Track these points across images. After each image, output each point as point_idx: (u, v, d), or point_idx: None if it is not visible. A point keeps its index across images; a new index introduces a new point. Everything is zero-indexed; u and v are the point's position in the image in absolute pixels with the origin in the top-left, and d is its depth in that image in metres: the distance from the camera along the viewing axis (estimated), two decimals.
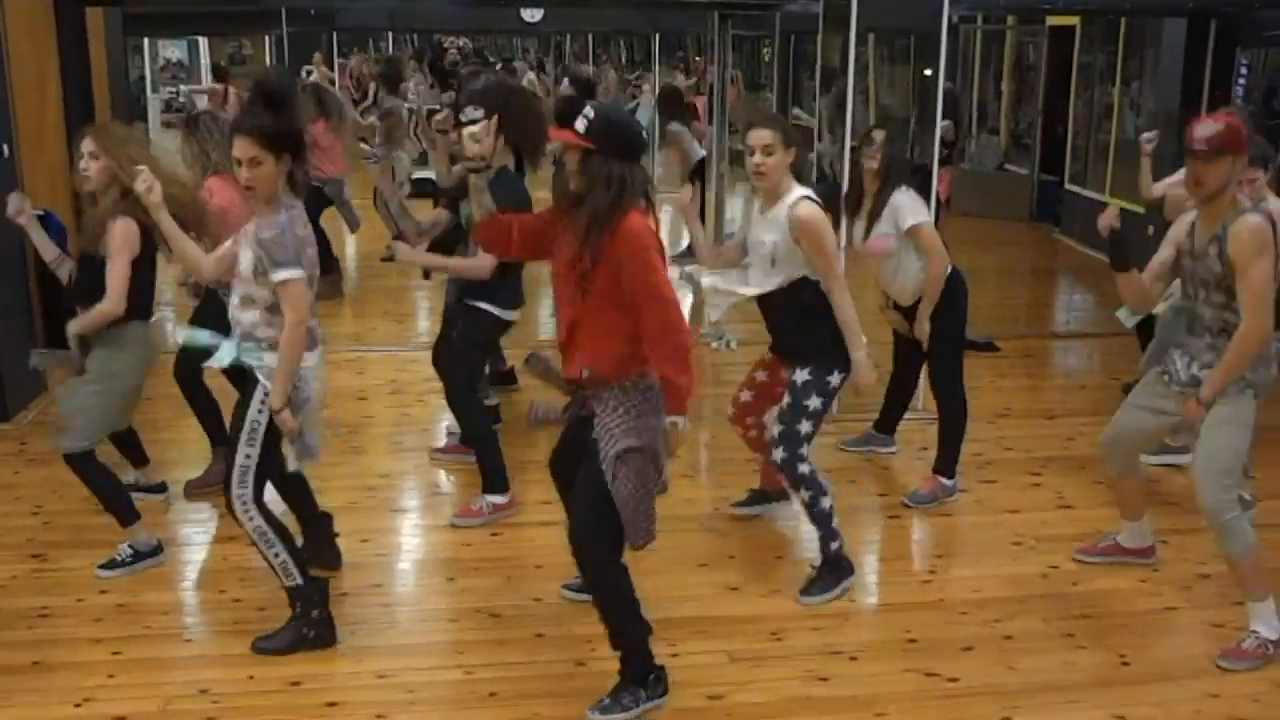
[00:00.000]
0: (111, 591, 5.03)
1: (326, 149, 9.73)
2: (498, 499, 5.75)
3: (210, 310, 5.75)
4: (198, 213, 5.14)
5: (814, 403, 4.97)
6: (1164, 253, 4.73)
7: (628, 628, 4.15)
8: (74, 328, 5.12)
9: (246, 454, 4.37)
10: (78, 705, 4.20)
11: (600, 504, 4.00)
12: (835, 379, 5.01)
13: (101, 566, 5.19)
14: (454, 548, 5.54)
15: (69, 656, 4.52)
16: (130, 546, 5.23)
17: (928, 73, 7.39)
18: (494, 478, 5.78)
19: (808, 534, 5.41)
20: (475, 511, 5.74)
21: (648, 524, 4.05)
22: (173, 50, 20.83)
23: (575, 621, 4.74)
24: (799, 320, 5.03)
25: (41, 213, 7.24)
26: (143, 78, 19.84)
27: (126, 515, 5.21)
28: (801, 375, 4.99)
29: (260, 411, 4.35)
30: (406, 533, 5.80)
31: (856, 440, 6.72)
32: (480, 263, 5.53)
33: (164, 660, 4.52)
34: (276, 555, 4.45)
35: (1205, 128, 4.38)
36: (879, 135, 5.92)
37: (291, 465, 4.51)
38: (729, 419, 5.64)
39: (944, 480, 6.02)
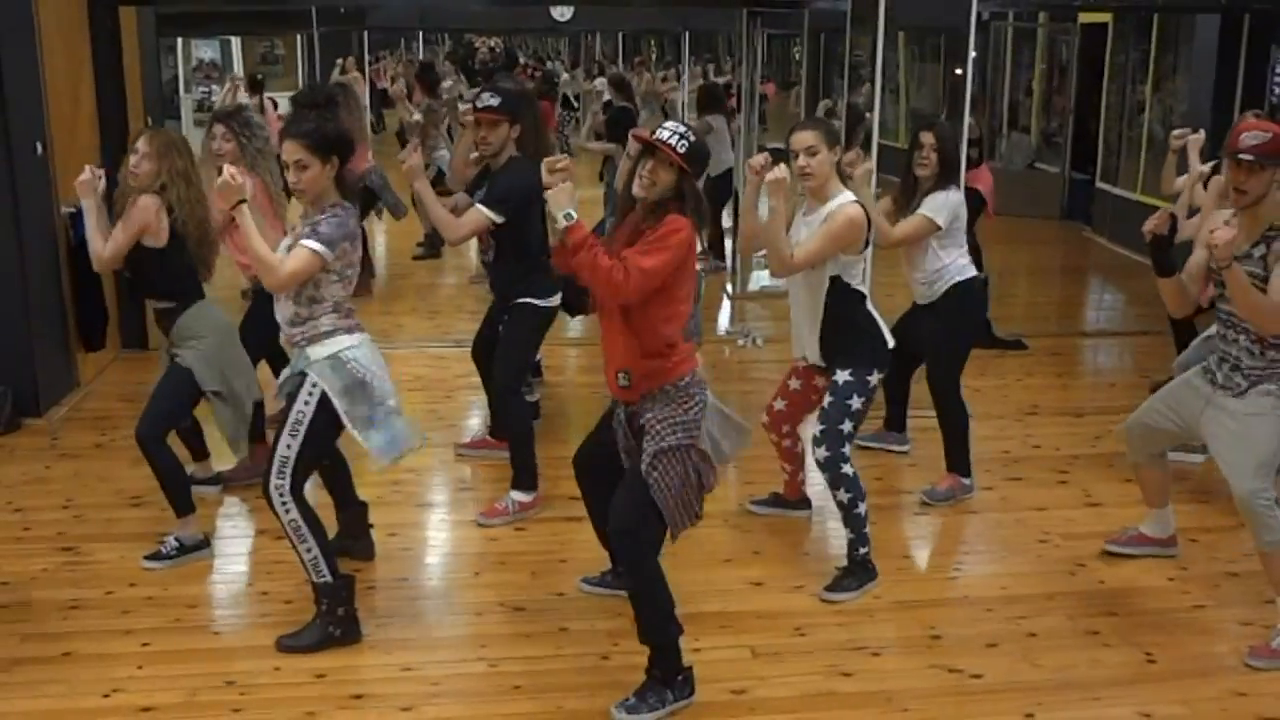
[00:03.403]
0: (141, 584, 5.08)
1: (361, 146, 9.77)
2: (524, 497, 5.77)
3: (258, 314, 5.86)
4: (210, 234, 5.34)
5: (856, 402, 5.00)
6: (1199, 254, 4.67)
7: (660, 625, 4.16)
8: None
9: (288, 445, 4.39)
10: (106, 696, 4.25)
11: (645, 499, 4.08)
12: (874, 377, 5.06)
13: (147, 558, 5.24)
14: (480, 542, 5.56)
15: (98, 648, 4.56)
16: (177, 539, 5.27)
17: (959, 71, 7.34)
18: (524, 475, 5.79)
19: (833, 531, 5.42)
20: (501, 510, 5.75)
21: (686, 518, 4.18)
22: (205, 50, 20.96)
23: (600, 616, 4.76)
24: (835, 325, 5.06)
25: (74, 209, 7.36)
26: (176, 78, 19.99)
27: (182, 506, 5.28)
28: (843, 375, 5.03)
29: (306, 404, 4.39)
30: (433, 527, 5.83)
31: (871, 435, 6.73)
32: (453, 226, 5.59)
33: (192, 652, 4.56)
34: (308, 551, 4.47)
35: (1253, 136, 4.30)
36: (927, 139, 5.78)
37: (384, 460, 4.51)
38: (764, 425, 5.64)
39: (962, 479, 6.01)
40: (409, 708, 4.20)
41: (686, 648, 4.28)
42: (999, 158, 15.44)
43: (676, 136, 4.05)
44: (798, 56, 20.03)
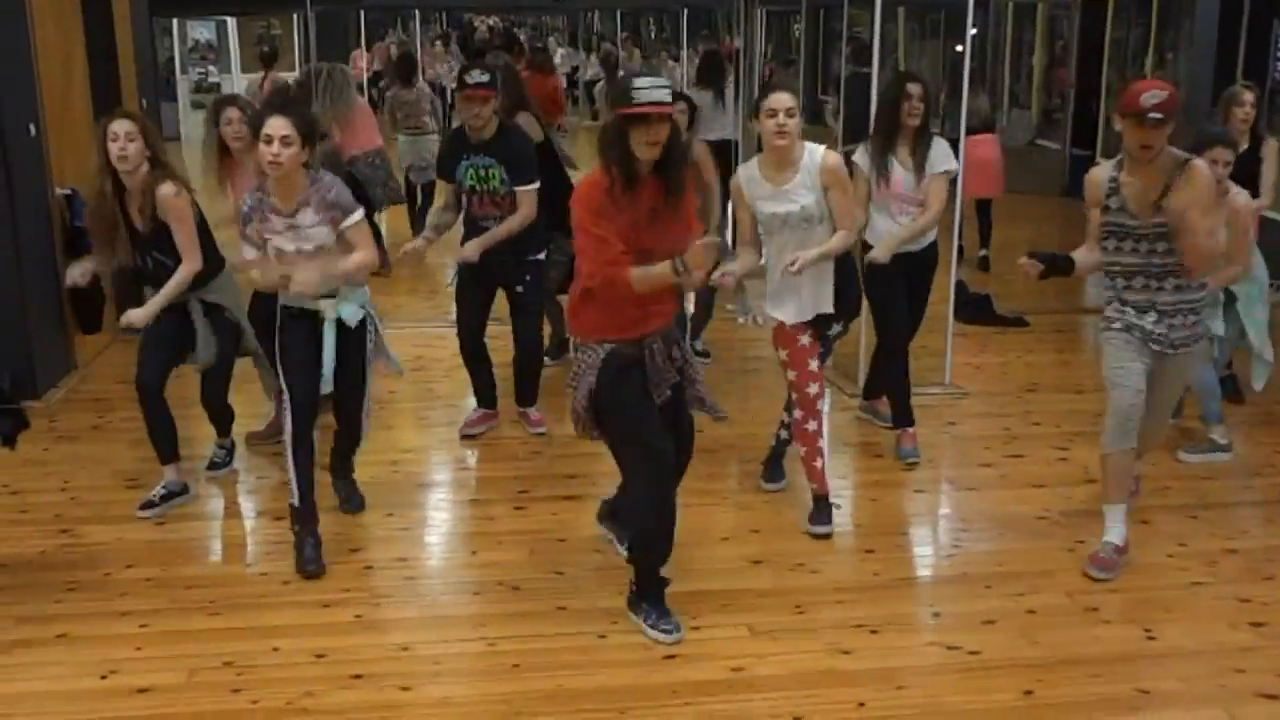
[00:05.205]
0: (138, 566, 5.07)
1: (359, 126, 9.69)
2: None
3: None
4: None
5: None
6: (1096, 217, 4.88)
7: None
8: (161, 300, 5.35)
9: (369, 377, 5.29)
10: (104, 677, 4.24)
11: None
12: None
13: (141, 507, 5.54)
14: (478, 521, 5.56)
15: (96, 629, 4.56)
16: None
17: (959, 48, 7.32)
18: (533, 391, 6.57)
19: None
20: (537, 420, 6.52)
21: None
22: (201, 31, 20.91)
23: (598, 594, 4.76)
24: (835, 278, 5.28)
25: (70, 191, 7.33)
26: (172, 59, 19.93)
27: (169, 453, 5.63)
28: (836, 329, 5.44)
29: (372, 341, 5.17)
30: (431, 507, 5.83)
31: (864, 407, 6.90)
32: (523, 216, 6.05)
33: (190, 633, 4.55)
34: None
35: (1154, 96, 4.49)
36: (916, 90, 6.02)
37: (399, 370, 5.74)
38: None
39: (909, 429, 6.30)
40: (408, 687, 4.20)
41: (685, 626, 4.39)
42: (1000, 134, 15.39)
43: (664, 91, 4.11)
44: (797, 33, 19.98)
